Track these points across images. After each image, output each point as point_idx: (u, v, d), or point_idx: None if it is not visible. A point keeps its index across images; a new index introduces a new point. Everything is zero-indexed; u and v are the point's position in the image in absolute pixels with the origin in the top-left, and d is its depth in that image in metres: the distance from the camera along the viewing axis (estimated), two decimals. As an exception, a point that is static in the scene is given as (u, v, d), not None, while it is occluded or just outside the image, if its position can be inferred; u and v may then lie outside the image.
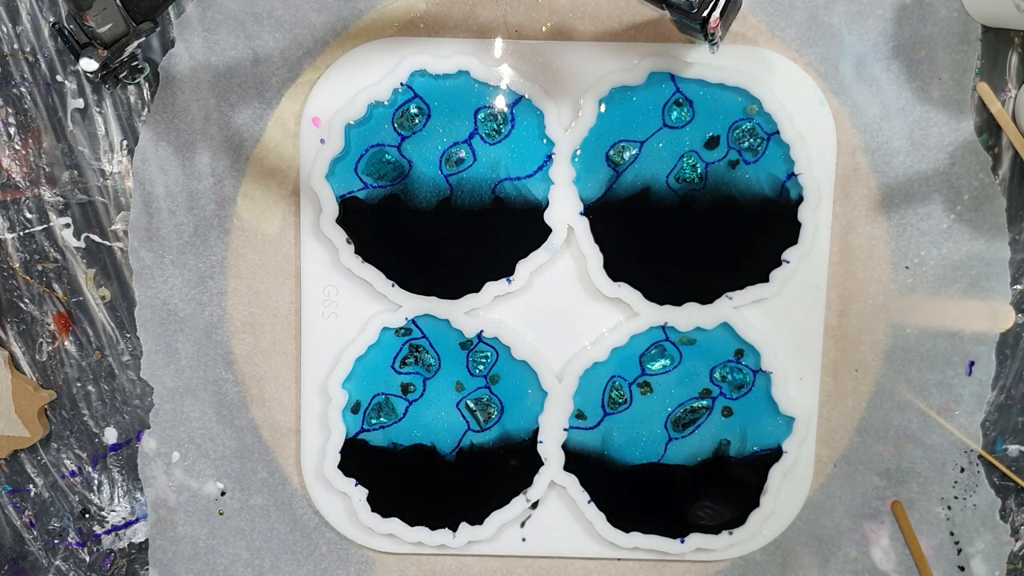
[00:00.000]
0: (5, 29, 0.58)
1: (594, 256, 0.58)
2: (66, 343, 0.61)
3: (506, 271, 0.58)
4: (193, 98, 0.58)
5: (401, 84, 0.57)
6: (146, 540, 0.62)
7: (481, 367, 0.59)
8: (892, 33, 0.57)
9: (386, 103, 0.57)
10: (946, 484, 0.60)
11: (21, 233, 0.60)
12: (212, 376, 0.60)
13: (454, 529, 0.60)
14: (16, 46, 0.58)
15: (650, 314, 0.58)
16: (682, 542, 0.60)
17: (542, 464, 0.59)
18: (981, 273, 0.59)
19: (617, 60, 0.57)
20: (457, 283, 0.58)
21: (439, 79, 0.57)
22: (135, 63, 0.55)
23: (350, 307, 0.59)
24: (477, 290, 0.58)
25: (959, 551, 0.61)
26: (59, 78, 0.58)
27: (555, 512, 0.60)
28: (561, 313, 0.59)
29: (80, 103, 0.59)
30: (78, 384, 0.61)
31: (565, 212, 0.58)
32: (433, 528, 0.60)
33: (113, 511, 0.62)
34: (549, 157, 0.57)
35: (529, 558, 0.61)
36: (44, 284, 0.60)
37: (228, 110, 0.58)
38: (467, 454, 0.60)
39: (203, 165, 0.59)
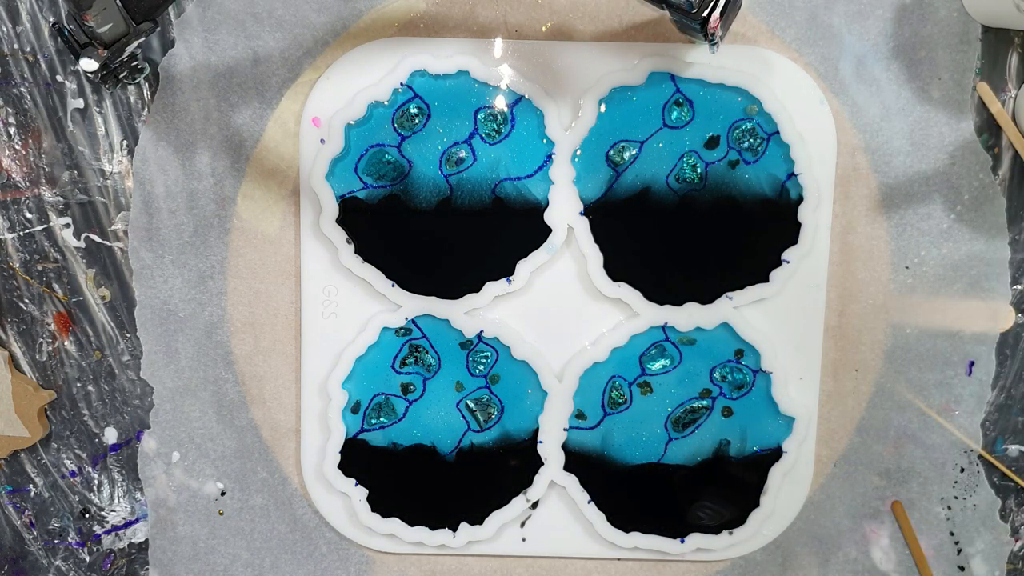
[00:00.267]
0: (5, 29, 0.58)
1: (594, 256, 0.58)
2: (66, 343, 0.61)
3: (506, 271, 0.58)
4: (193, 98, 0.58)
5: (401, 84, 0.57)
6: (146, 540, 0.62)
7: (481, 367, 0.59)
8: (892, 33, 0.57)
9: (386, 103, 0.57)
10: (946, 484, 0.60)
11: (21, 233, 0.60)
12: (212, 376, 0.60)
13: (454, 529, 0.60)
14: (16, 46, 0.58)
15: (650, 314, 0.58)
16: (682, 542, 0.60)
17: (542, 464, 0.59)
18: (981, 273, 0.59)
19: (617, 60, 0.57)
20: (457, 283, 0.58)
21: (439, 79, 0.57)
22: (135, 63, 0.55)
23: (350, 307, 0.59)
24: (477, 290, 0.58)
25: (959, 551, 0.61)
26: (59, 78, 0.58)
27: (555, 512, 0.60)
28: (561, 313, 0.59)
29: (80, 103, 0.59)
30: (78, 384, 0.61)
31: (565, 212, 0.58)
32: (433, 528, 0.60)
33: (113, 511, 0.62)
34: (549, 157, 0.57)
35: (529, 558, 0.61)
36: (44, 284, 0.60)
37: (228, 110, 0.58)
38: (467, 454, 0.60)
39: (203, 165, 0.59)
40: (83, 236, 0.60)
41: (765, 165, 0.57)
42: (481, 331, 0.59)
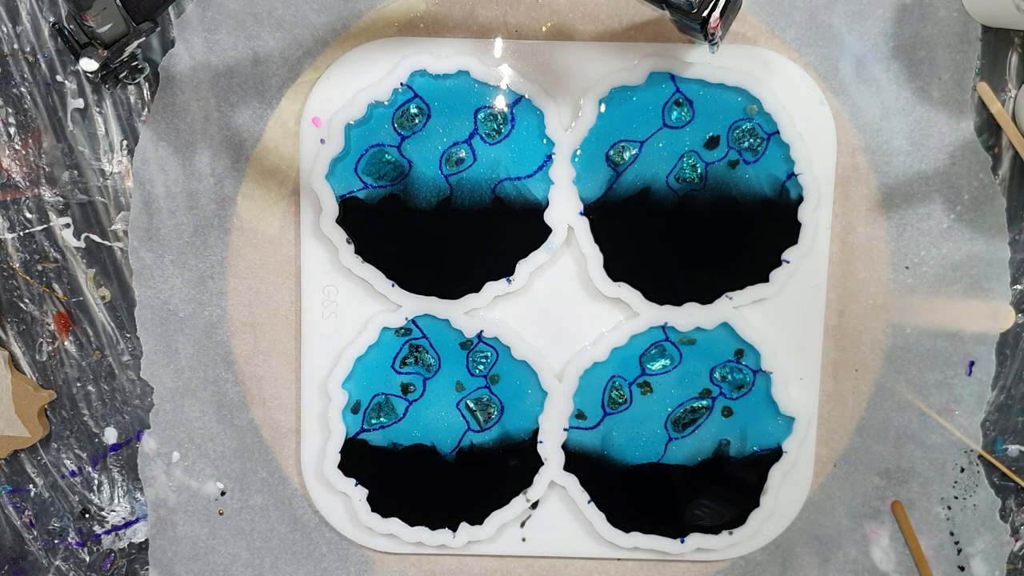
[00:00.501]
0: (5, 29, 0.58)
1: (594, 256, 0.58)
2: (66, 343, 0.61)
3: (506, 271, 0.58)
4: (193, 98, 0.58)
5: (401, 84, 0.57)
6: (146, 540, 0.62)
7: (481, 367, 0.59)
8: (892, 33, 0.57)
9: (386, 103, 0.57)
10: (946, 484, 0.60)
11: (21, 233, 0.60)
12: (212, 376, 0.60)
13: (454, 529, 0.60)
14: (16, 46, 0.58)
15: (650, 314, 0.58)
16: (682, 542, 0.60)
17: (542, 464, 0.59)
18: (981, 273, 0.59)
19: (617, 60, 0.57)
20: (457, 283, 0.58)
21: (439, 79, 0.57)
22: (135, 63, 0.55)
23: (350, 307, 0.59)
24: (477, 290, 0.58)
25: (959, 551, 0.61)
26: (59, 78, 0.58)
27: (555, 512, 0.60)
28: (561, 313, 0.59)
29: (80, 103, 0.59)
30: (78, 384, 0.61)
31: (565, 212, 0.58)
32: (433, 528, 0.60)
33: (113, 511, 0.62)
34: (549, 157, 0.57)
35: (529, 558, 0.61)
36: (44, 284, 0.60)
37: (228, 110, 0.58)
38: (467, 454, 0.60)
39: (203, 165, 0.59)
40: (83, 236, 0.60)
41: (765, 165, 0.57)
42: (481, 331, 0.59)
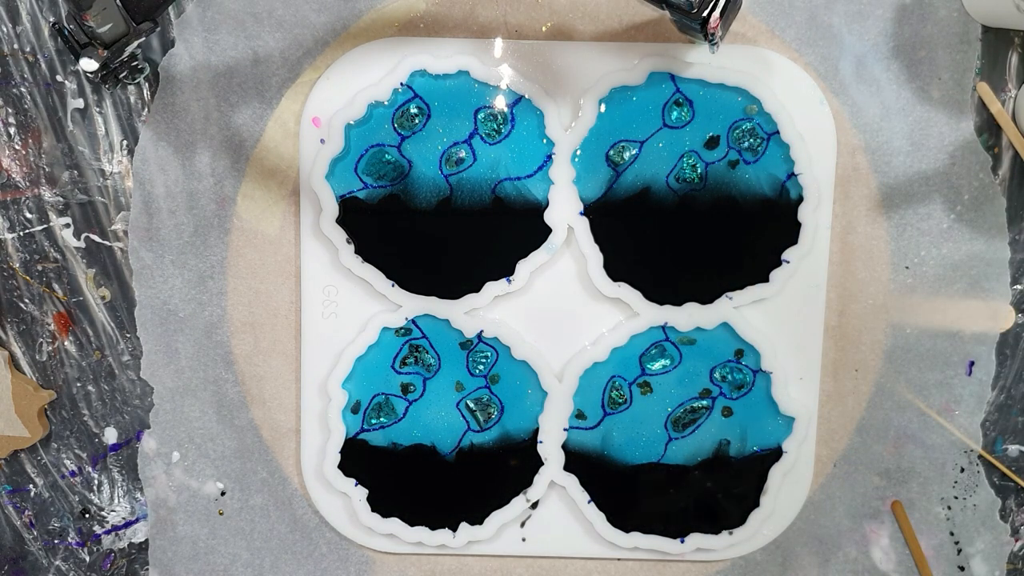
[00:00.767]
0: (5, 29, 0.58)
1: (594, 256, 0.58)
2: (66, 343, 0.61)
3: (506, 271, 0.58)
4: (193, 98, 0.58)
5: (401, 84, 0.57)
6: (146, 540, 0.62)
7: (481, 367, 0.59)
8: (892, 33, 0.57)
9: (386, 103, 0.57)
10: (946, 484, 0.60)
11: (21, 233, 0.60)
12: (212, 376, 0.60)
13: (454, 529, 0.60)
14: (16, 46, 0.58)
15: (650, 314, 0.58)
16: (682, 542, 0.60)
17: (542, 464, 0.59)
18: (981, 273, 0.59)
19: (617, 60, 0.57)
20: (457, 283, 0.58)
21: (439, 79, 0.57)
22: (135, 63, 0.55)
23: (350, 307, 0.59)
24: (477, 290, 0.58)
25: (959, 551, 0.61)
26: (59, 78, 0.58)
27: (555, 512, 0.60)
28: (561, 313, 0.59)
29: (80, 103, 0.59)
30: (78, 384, 0.61)
31: (565, 212, 0.58)
32: (433, 528, 0.60)
33: (113, 511, 0.62)
34: (549, 157, 0.57)
35: (529, 558, 0.61)
36: (44, 284, 0.60)
37: (228, 110, 0.58)
38: (467, 454, 0.60)
39: (203, 165, 0.59)
40: (83, 236, 0.60)
41: (765, 165, 0.57)
42: (481, 331, 0.59)
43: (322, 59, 0.58)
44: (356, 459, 0.60)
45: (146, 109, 0.59)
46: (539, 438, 0.59)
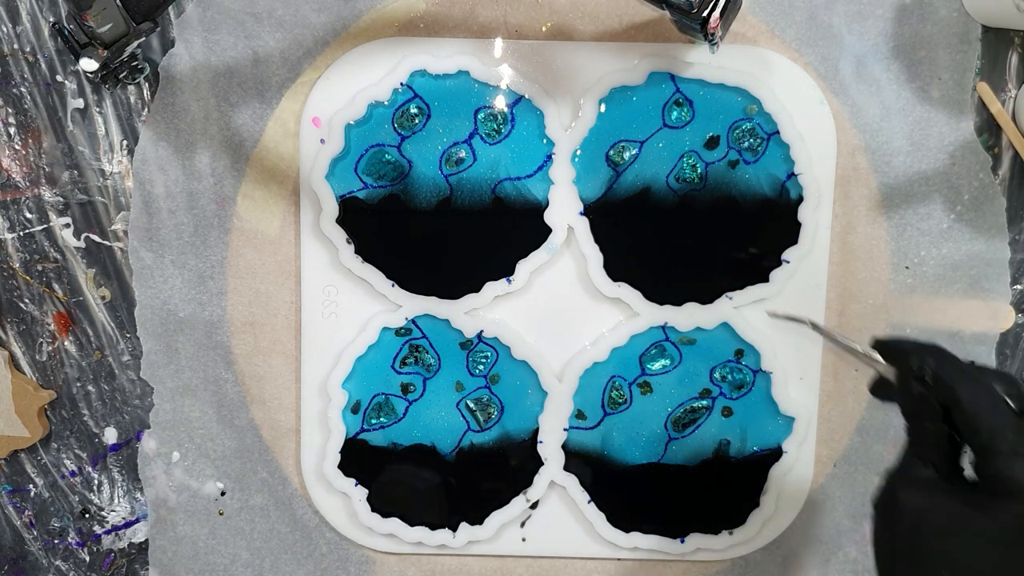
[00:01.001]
0: (5, 29, 0.58)
1: (594, 256, 0.58)
2: (66, 343, 0.61)
3: (506, 271, 0.58)
4: (193, 98, 0.58)
5: (401, 84, 0.57)
6: (146, 540, 0.62)
7: (481, 367, 0.59)
8: (892, 33, 0.57)
9: (386, 103, 0.57)
10: (946, 484, 0.60)
11: (21, 233, 0.60)
12: (212, 376, 0.60)
13: (454, 529, 0.60)
14: (16, 46, 0.58)
15: (650, 314, 0.58)
16: (682, 542, 0.60)
17: (542, 464, 0.59)
18: (981, 273, 0.59)
19: (617, 60, 0.57)
20: (457, 283, 0.58)
21: (439, 79, 0.57)
22: (135, 63, 0.55)
23: (350, 307, 0.59)
24: (477, 290, 0.58)
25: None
26: (59, 78, 0.58)
27: (555, 512, 0.60)
28: (561, 313, 0.59)
29: (80, 103, 0.59)
30: (78, 384, 0.61)
31: (565, 212, 0.58)
32: (433, 528, 0.60)
33: (113, 511, 0.62)
34: (549, 157, 0.57)
35: (529, 558, 0.61)
36: (44, 284, 0.60)
37: (228, 110, 0.58)
38: (467, 454, 0.60)
39: (203, 165, 0.59)
40: (83, 236, 0.60)
41: (765, 165, 0.57)
42: (481, 331, 0.59)
43: (322, 59, 0.58)
44: (356, 459, 0.60)
45: (146, 109, 0.59)
46: (539, 438, 0.59)
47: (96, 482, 0.62)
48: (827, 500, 0.61)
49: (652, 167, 0.57)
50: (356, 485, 0.60)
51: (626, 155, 0.57)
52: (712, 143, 0.57)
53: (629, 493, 0.60)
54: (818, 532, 0.61)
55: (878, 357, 0.41)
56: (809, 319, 0.45)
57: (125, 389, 0.61)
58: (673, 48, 0.57)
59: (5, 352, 0.60)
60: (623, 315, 0.59)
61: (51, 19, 0.58)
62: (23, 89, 0.58)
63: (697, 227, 0.58)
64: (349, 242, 0.58)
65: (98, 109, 0.59)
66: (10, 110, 0.59)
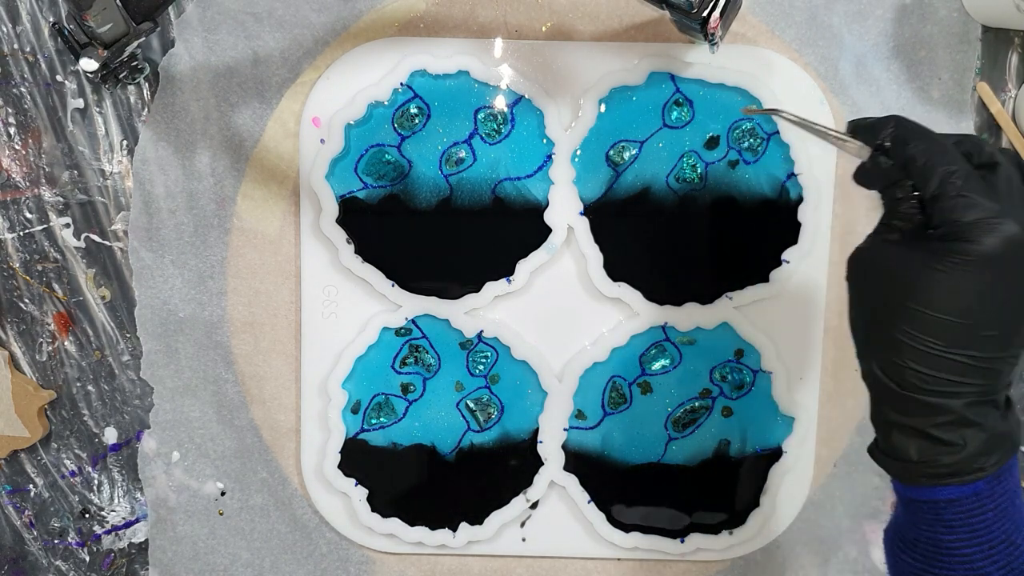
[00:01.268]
0: (5, 29, 0.58)
1: (594, 256, 0.58)
2: (66, 343, 0.61)
3: (506, 271, 0.58)
4: (193, 98, 0.58)
5: (401, 84, 0.57)
6: (146, 540, 0.62)
7: (481, 367, 0.59)
8: (892, 33, 0.57)
9: (386, 103, 0.57)
10: (946, 484, 0.60)
11: (21, 233, 0.60)
12: (212, 376, 0.60)
13: (454, 529, 0.60)
14: (16, 46, 0.58)
15: (650, 314, 0.58)
16: (682, 542, 0.60)
17: (542, 464, 0.59)
18: (981, 273, 0.59)
19: (617, 60, 0.57)
20: (457, 283, 0.58)
21: (439, 79, 0.57)
22: (135, 63, 0.55)
23: (350, 307, 0.59)
24: (477, 290, 0.58)
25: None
26: (59, 78, 0.58)
27: (555, 512, 0.60)
28: (561, 313, 0.59)
29: (80, 103, 0.59)
30: (78, 384, 0.61)
31: (565, 212, 0.58)
32: (433, 528, 0.60)
33: (113, 511, 0.62)
34: (549, 157, 0.57)
35: (529, 558, 0.61)
36: (44, 284, 0.60)
37: (228, 110, 0.58)
38: (467, 454, 0.60)
39: (203, 165, 0.59)
40: (83, 236, 0.60)
41: (765, 165, 0.57)
42: (481, 331, 0.59)
43: (322, 59, 0.58)
44: (356, 459, 0.60)
45: (146, 109, 0.59)
46: (539, 438, 0.59)
47: (96, 482, 0.62)
48: (827, 500, 0.61)
49: (652, 167, 0.57)
50: (356, 485, 0.60)
51: (626, 155, 0.57)
52: (712, 143, 0.57)
53: (629, 493, 0.60)
54: (818, 532, 0.61)
55: (849, 138, 0.42)
56: (781, 110, 0.45)
57: (125, 389, 0.61)
58: (673, 48, 0.57)
59: (5, 352, 0.60)
60: (623, 315, 0.59)
61: (51, 19, 0.58)
62: (23, 89, 0.58)
63: (697, 227, 0.58)
64: (349, 242, 0.58)
65: (98, 109, 0.59)
66: (10, 110, 0.59)
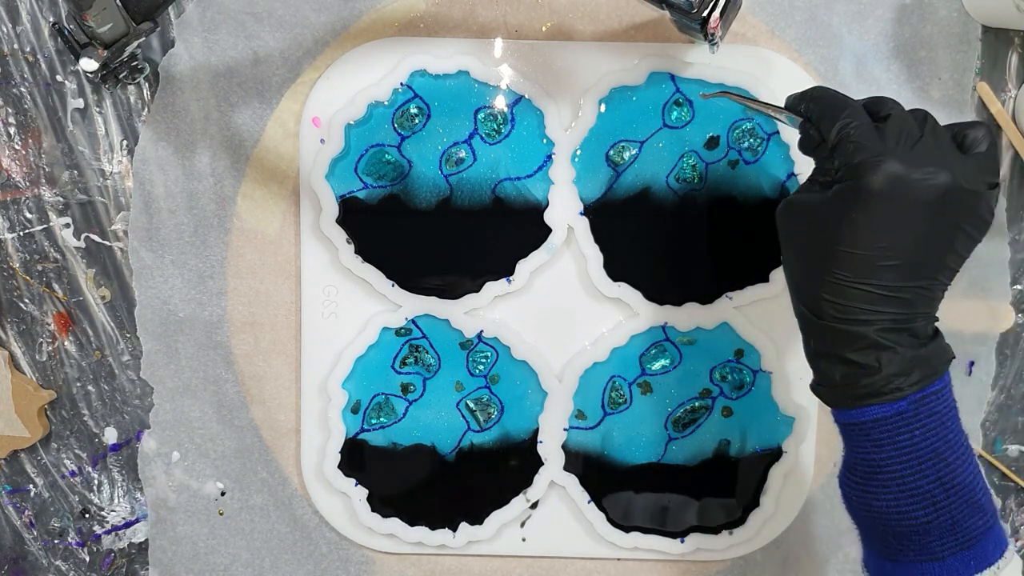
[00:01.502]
0: (5, 29, 0.58)
1: (594, 256, 0.58)
2: (66, 343, 0.61)
3: (506, 271, 0.58)
4: (193, 98, 0.58)
5: (401, 84, 0.57)
6: (146, 540, 0.62)
7: (481, 367, 0.59)
8: (892, 33, 0.57)
9: (386, 103, 0.57)
10: (946, 484, 0.60)
11: (21, 233, 0.60)
12: (212, 376, 0.60)
13: (454, 529, 0.60)
14: (16, 46, 0.58)
15: (650, 314, 0.58)
16: (682, 542, 0.60)
17: (542, 464, 0.59)
18: (981, 273, 0.59)
19: (617, 60, 0.57)
20: (457, 283, 0.58)
21: (439, 79, 0.57)
22: (135, 63, 0.55)
23: (350, 307, 0.59)
24: (477, 290, 0.58)
25: (959, 551, 0.61)
26: (59, 78, 0.58)
27: (555, 512, 0.60)
28: (561, 313, 0.59)
29: (80, 103, 0.59)
30: (78, 384, 0.61)
31: (565, 212, 0.58)
32: (433, 528, 0.60)
33: (113, 511, 0.62)
34: (549, 157, 0.57)
35: (529, 558, 0.61)
36: (44, 284, 0.60)
37: (228, 110, 0.58)
38: (467, 454, 0.60)
39: (203, 165, 0.59)
40: (83, 236, 0.60)
41: (765, 165, 0.57)
42: (481, 331, 0.59)
43: (322, 59, 0.58)
44: (356, 459, 0.60)
45: (146, 109, 0.59)
46: (539, 438, 0.59)
47: (96, 482, 0.62)
48: (827, 500, 0.61)
49: (652, 167, 0.57)
50: (356, 485, 0.60)
51: (626, 155, 0.57)
52: (712, 143, 0.57)
53: (629, 493, 0.60)
54: (818, 532, 0.61)
55: (785, 111, 0.47)
56: (730, 91, 0.51)
57: (125, 389, 0.61)
58: (673, 48, 0.57)
59: (5, 352, 0.60)
60: (623, 315, 0.59)
61: (51, 19, 0.58)
62: (23, 89, 0.58)
63: (697, 227, 0.58)
64: (349, 242, 0.58)
65: (98, 109, 0.59)
66: (10, 110, 0.59)
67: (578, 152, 0.57)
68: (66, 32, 0.50)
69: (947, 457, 0.43)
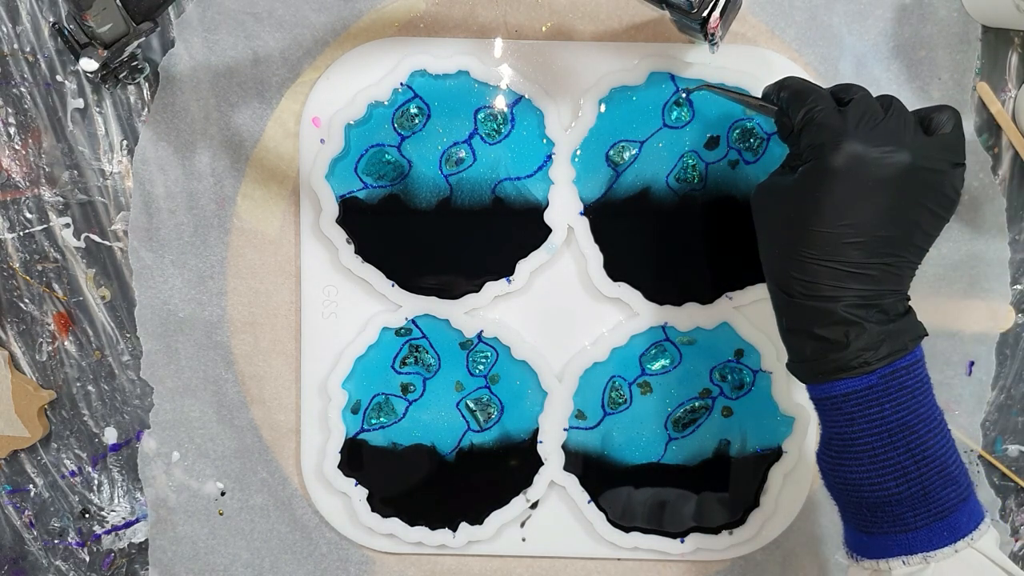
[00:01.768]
0: (5, 29, 0.58)
1: (594, 256, 0.58)
2: (66, 343, 0.61)
3: (506, 271, 0.58)
4: (193, 98, 0.58)
5: (401, 84, 0.57)
6: (146, 540, 0.62)
7: (481, 367, 0.59)
8: (892, 33, 0.57)
9: (386, 103, 0.57)
10: (946, 484, 0.60)
11: (21, 233, 0.60)
12: (212, 376, 0.60)
13: (454, 529, 0.60)
14: (16, 46, 0.58)
15: (650, 314, 0.58)
16: (682, 542, 0.60)
17: (542, 464, 0.59)
18: (981, 273, 0.59)
19: (617, 60, 0.57)
20: (457, 283, 0.58)
21: (439, 79, 0.57)
22: (135, 63, 0.55)
23: (350, 307, 0.59)
24: (477, 290, 0.58)
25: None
26: (59, 78, 0.58)
27: (555, 512, 0.60)
28: (561, 313, 0.59)
29: (80, 103, 0.59)
30: (78, 384, 0.61)
31: (565, 212, 0.58)
32: (433, 528, 0.60)
33: (113, 511, 0.62)
34: (549, 157, 0.57)
35: (529, 558, 0.61)
36: (44, 284, 0.60)
37: (228, 110, 0.58)
38: (467, 454, 0.60)
39: (203, 165, 0.59)
40: (83, 236, 0.60)
41: (765, 165, 0.57)
42: (481, 331, 0.59)
43: (322, 59, 0.58)
44: (356, 459, 0.60)
45: (146, 109, 0.59)
46: (539, 438, 0.59)
47: (96, 482, 0.62)
48: (827, 500, 0.61)
49: (652, 167, 0.57)
50: (356, 485, 0.60)
51: (626, 155, 0.57)
52: (712, 143, 0.57)
53: (629, 493, 0.60)
54: (818, 532, 0.61)
55: (763, 102, 0.49)
56: (709, 83, 0.53)
57: (125, 389, 0.61)
58: (673, 48, 0.57)
59: (5, 352, 0.60)
60: (623, 315, 0.59)
61: (51, 19, 0.58)
62: (23, 89, 0.58)
63: (697, 227, 0.58)
64: (349, 242, 0.58)
65: (98, 109, 0.59)
66: (10, 110, 0.59)
67: (578, 152, 0.57)
68: (66, 32, 0.50)
69: (918, 430, 0.43)
